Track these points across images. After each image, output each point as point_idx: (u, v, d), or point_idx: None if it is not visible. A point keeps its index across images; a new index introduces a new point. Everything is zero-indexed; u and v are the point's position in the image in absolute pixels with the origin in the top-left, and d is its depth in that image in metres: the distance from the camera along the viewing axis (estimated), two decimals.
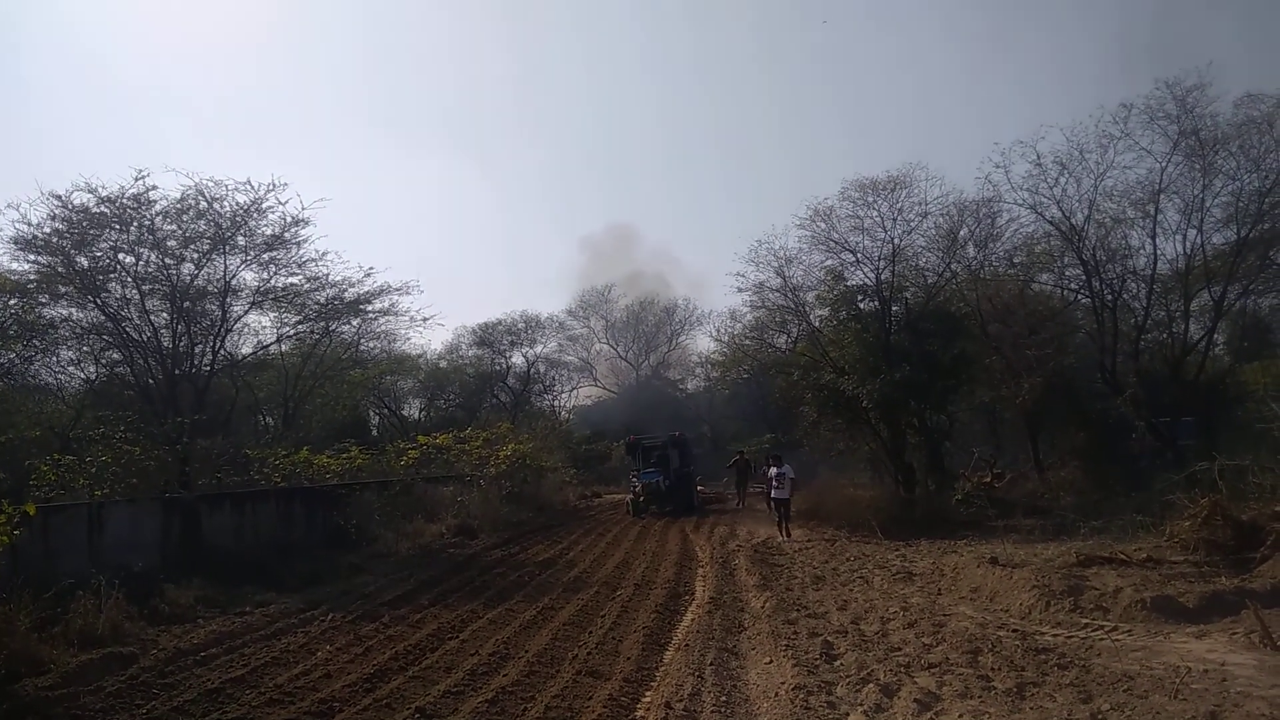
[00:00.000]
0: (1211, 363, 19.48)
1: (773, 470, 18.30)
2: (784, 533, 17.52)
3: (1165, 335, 19.50)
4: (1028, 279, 21.99)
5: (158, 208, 18.40)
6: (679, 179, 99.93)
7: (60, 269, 18.07)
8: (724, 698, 6.87)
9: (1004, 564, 11.27)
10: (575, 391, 53.55)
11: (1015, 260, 21.67)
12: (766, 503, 20.21)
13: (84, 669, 8.11)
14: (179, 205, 18.67)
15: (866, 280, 20.71)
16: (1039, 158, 18.62)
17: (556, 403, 52.62)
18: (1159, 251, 18.58)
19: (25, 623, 8.44)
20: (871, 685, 6.70)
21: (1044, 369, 19.17)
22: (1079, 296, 20.77)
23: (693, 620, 10.09)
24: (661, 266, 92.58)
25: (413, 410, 42.66)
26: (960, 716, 5.86)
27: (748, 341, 26.60)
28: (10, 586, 8.82)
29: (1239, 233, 17.49)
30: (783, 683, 7.01)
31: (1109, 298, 19.00)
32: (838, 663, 7.58)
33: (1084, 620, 8.62)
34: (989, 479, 20.33)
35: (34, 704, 7.16)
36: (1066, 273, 20.94)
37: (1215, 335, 19.68)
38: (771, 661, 7.80)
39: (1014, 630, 8.45)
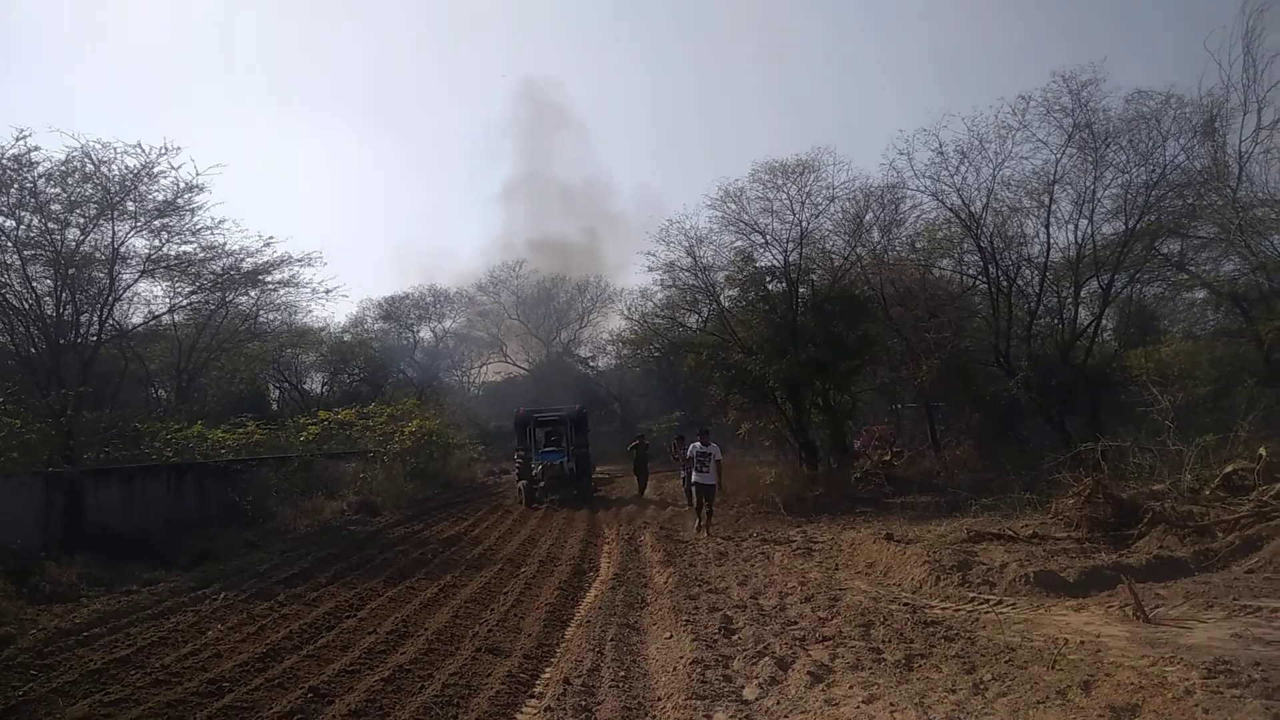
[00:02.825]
0: (1099, 348, 20.31)
1: (694, 446, 15.42)
2: (705, 524, 14.93)
3: (1056, 321, 20.18)
4: (929, 264, 22.45)
5: (40, 169, 17.54)
6: (605, 150, 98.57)
7: None
8: (622, 672, 6.90)
9: (898, 540, 11.59)
10: (485, 368, 52.98)
11: (917, 245, 22.15)
12: (685, 488, 17.41)
13: None
14: (63, 167, 17.82)
15: (775, 262, 20.93)
16: (941, 146, 18.97)
17: (465, 379, 52.00)
18: (1052, 240, 19.16)
19: None
20: (767, 659, 6.79)
21: (942, 351, 19.63)
22: (977, 282, 21.32)
23: (596, 596, 10.11)
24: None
25: (315, 385, 41.37)
26: (851, 688, 5.98)
27: (659, 320, 26.48)
28: None
29: (1127, 224, 18.17)
30: (681, 657, 7.05)
31: (1004, 284, 19.56)
32: (735, 637, 7.66)
33: (971, 594, 8.88)
34: (888, 457, 20.85)
35: None
36: (965, 259, 21.49)
37: (1103, 321, 20.52)
38: (671, 636, 7.84)
39: (905, 604, 8.69)
